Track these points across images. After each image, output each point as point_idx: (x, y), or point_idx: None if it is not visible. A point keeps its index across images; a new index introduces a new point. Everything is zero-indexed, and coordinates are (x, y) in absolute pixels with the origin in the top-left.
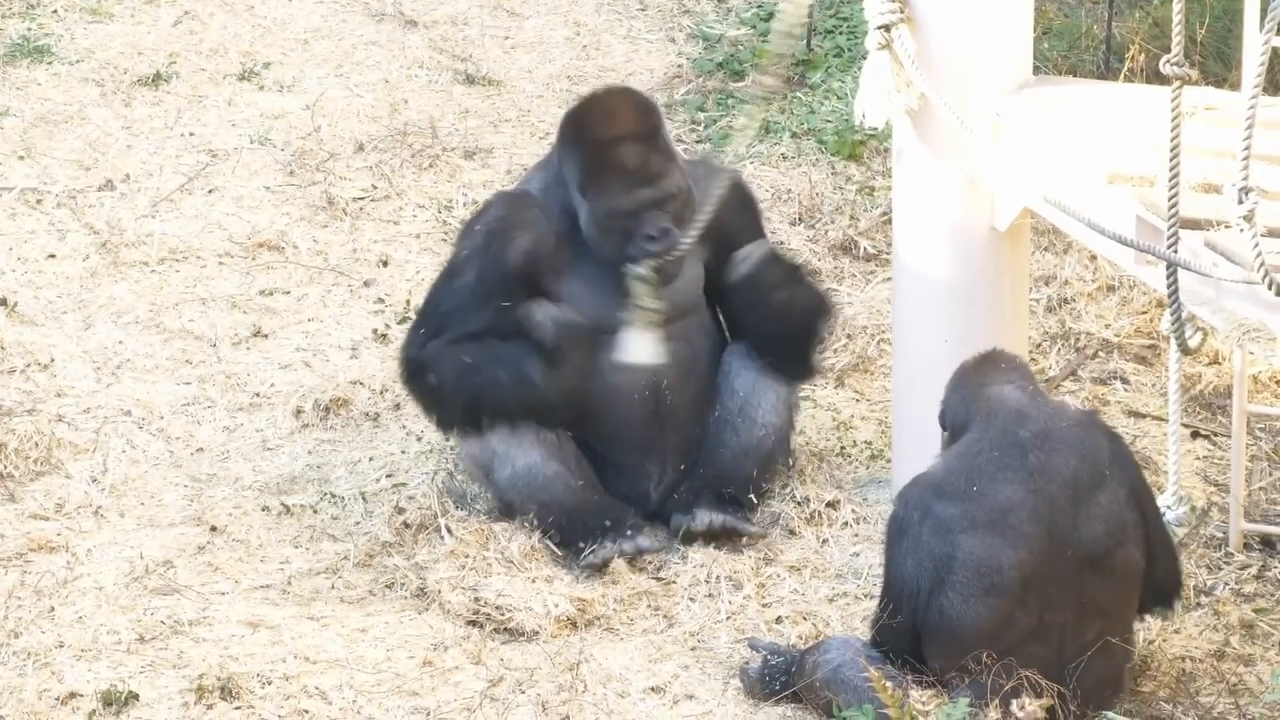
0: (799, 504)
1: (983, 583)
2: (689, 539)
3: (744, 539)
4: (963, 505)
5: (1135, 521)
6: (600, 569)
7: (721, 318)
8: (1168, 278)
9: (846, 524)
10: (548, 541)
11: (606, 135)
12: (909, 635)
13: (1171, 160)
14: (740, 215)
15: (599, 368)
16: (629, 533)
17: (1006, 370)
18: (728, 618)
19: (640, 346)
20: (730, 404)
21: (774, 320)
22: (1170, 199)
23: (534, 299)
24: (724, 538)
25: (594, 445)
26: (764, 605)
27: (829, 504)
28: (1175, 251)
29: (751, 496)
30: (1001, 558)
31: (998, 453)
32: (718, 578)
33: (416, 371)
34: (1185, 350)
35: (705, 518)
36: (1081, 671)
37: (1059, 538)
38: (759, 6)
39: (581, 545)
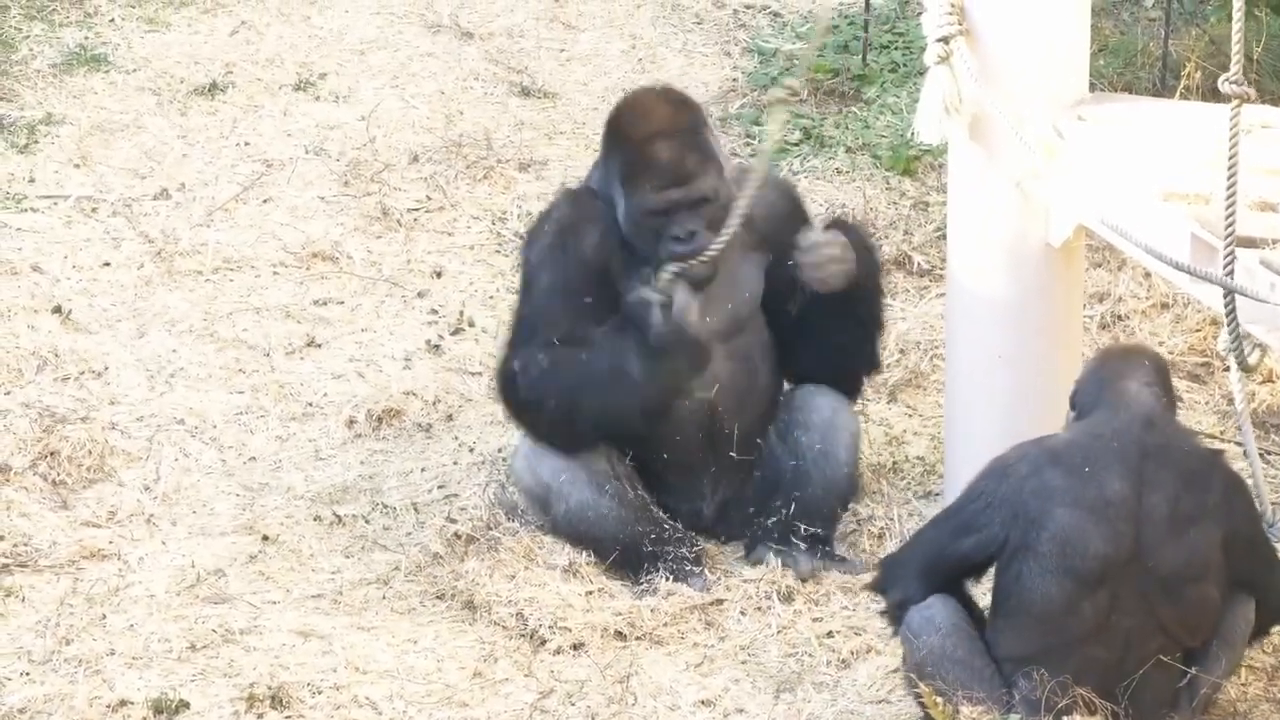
0: (861, 521)
1: (1065, 561)
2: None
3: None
4: (1071, 480)
5: (1220, 564)
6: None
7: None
8: (1224, 298)
9: (894, 538)
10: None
11: (640, 132)
12: (953, 566)
13: (1229, 181)
14: (794, 223)
15: (698, 379)
16: (686, 567)
17: (1149, 371)
18: (778, 631)
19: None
20: (807, 440)
21: (839, 307)
22: (1228, 220)
23: (609, 294)
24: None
25: (649, 463)
26: (815, 620)
27: (883, 520)
28: (1231, 273)
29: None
30: (1089, 543)
31: (1117, 444)
32: (768, 593)
33: (507, 384)
34: (1245, 368)
35: (808, 564)
36: (1138, 685)
37: (1145, 548)
38: (815, 21)
39: (637, 576)
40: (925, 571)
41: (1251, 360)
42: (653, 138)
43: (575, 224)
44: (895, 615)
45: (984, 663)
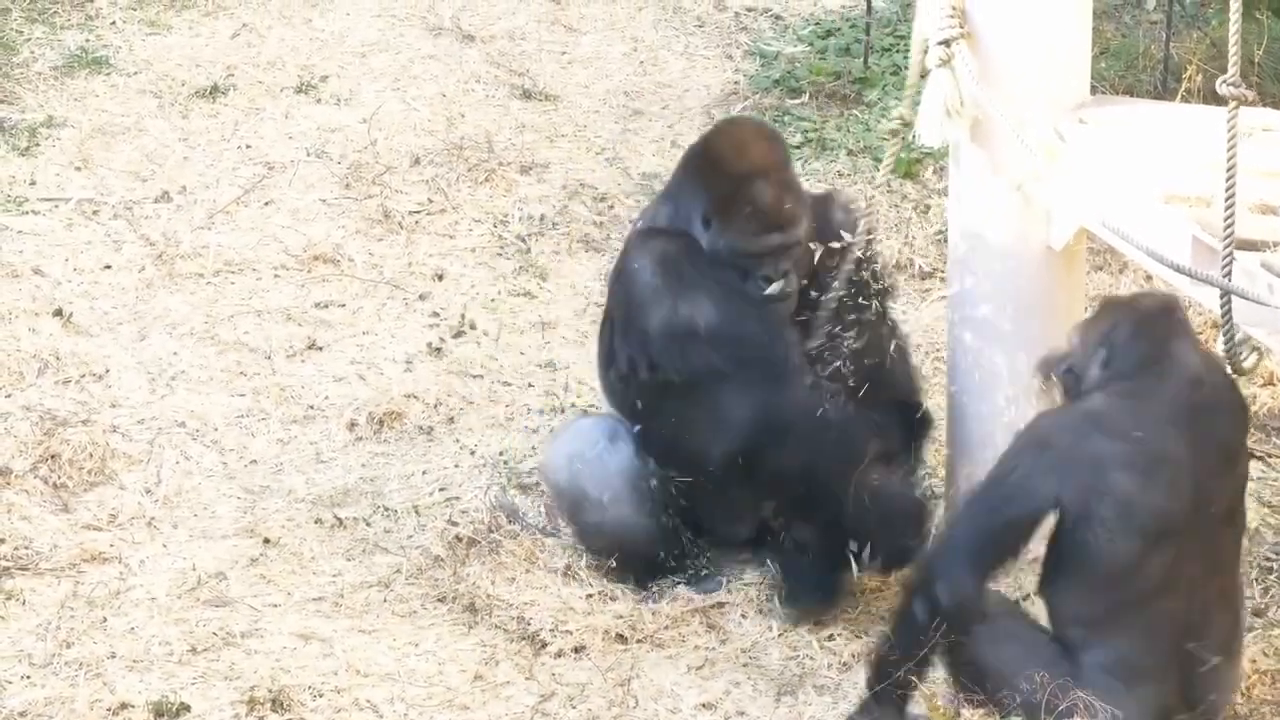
0: None
1: (1129, 523)
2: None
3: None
4: (1122, 445)
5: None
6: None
7: None
8: (1221, 300)
9: None
10: (610, 564)
11: (739, 170)
12: (1001, 541)
13: (1228, 183)
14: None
15: None
16: (703, 574)
17: (1182, 324)
18: (779, 634)
19: None
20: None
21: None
22: (1226, 223)
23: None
24: None
25: (693, 490)
26: (816, 622)
27: None
28: (1229, 275)
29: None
30: (1151, 503)
31: (1167, 409)
32: (769, 595)
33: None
34: (1239, 371)
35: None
36: (1205, 627)
37: (1203, 496)
38: (816, 24)
39: (647, 585)
40: (974, 556)
41: (1247, 365)
42: (752, 177)
43: (672, 253)
44: (953, 616)
45: (1043, 639)
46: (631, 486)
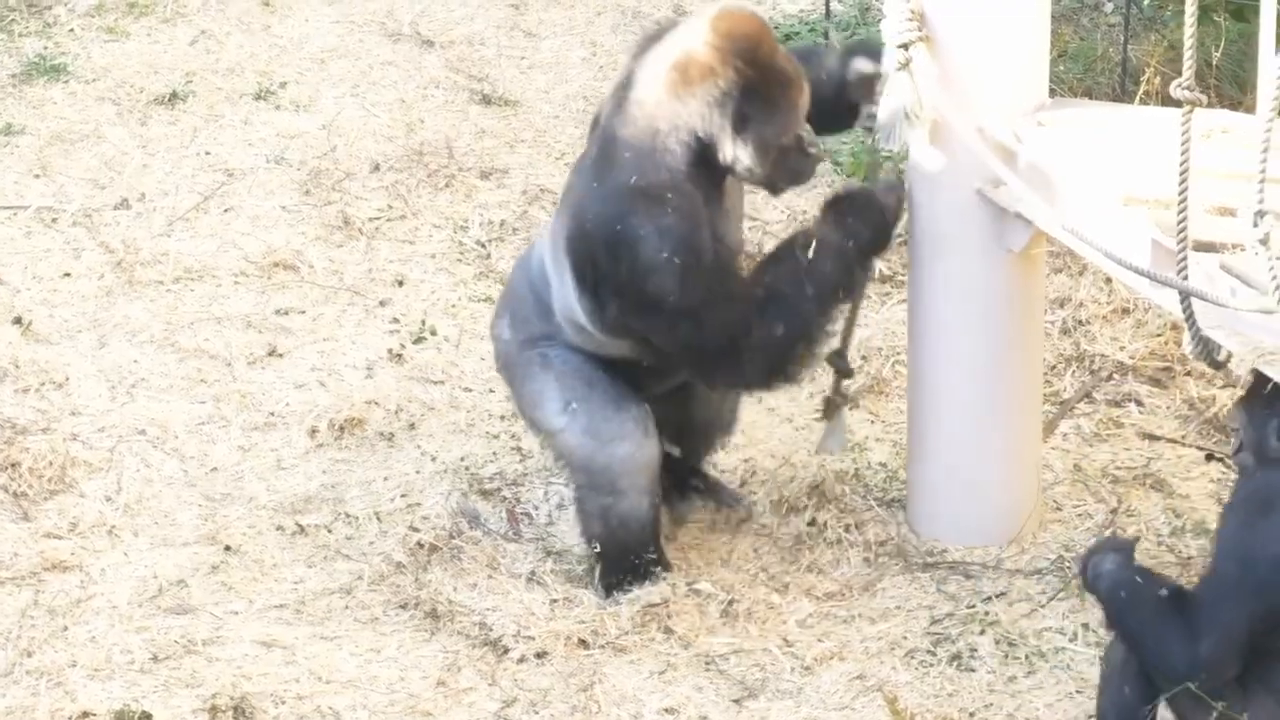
0: (815, 526)
1: None
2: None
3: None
4: None
5: None
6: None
7: None
8: (1182, 301)
9: (857, 544)
10: (561, 562)
11: (766, 48)
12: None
13: (1180, 186)
14: None
15: None
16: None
17: None
18: (741, 639)
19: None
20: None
21: None
22: (1179, 224)
23: None
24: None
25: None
26: (780, 624)
27: (845, 526)
28: (1185, 275)
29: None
30: None
31: None
32: (732, 600)
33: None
34: (1215, 366)
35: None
36: None
37: None
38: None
39: (621, 587)
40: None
41: (1222, 358)
42: (775, 48)
43: (690, 221)
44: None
45: None
46: (651, 477)
